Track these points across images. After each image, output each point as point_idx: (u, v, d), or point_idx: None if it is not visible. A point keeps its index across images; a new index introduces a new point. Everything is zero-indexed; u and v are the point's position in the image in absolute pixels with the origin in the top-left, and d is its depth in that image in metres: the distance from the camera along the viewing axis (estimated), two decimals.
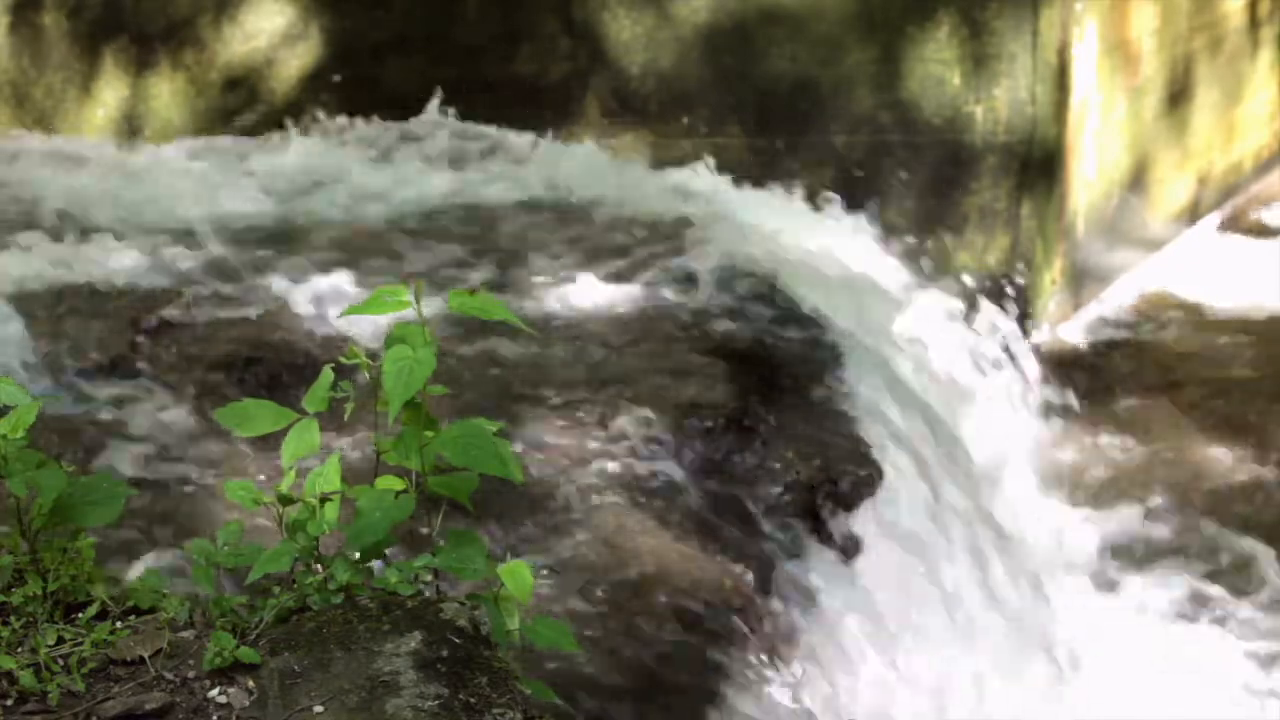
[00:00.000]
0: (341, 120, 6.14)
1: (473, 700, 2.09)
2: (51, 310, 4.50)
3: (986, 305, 5.77)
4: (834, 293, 5.16)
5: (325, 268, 4.91)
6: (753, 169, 5.88)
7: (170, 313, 4.54)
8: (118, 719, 2.12)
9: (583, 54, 6.03)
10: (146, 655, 2.22)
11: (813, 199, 5.81)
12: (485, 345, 4.49)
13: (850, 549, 4.22)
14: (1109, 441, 5.60)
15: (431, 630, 2.19)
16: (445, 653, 2.15)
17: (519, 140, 5.99)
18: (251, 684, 2.15)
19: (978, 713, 4.24)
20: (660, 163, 5.95)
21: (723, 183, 5.83)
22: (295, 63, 6.23)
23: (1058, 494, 5.36)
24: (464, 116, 6.08)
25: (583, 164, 5.86)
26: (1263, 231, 7.20)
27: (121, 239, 5.10)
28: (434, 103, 6.05)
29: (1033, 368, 5.78)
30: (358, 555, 2.31)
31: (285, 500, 2.34)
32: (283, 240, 5.18)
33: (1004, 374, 5.66)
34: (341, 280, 4.83)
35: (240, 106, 6.27)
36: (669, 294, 4.89)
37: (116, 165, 5.97)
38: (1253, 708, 4.76)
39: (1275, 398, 5.77)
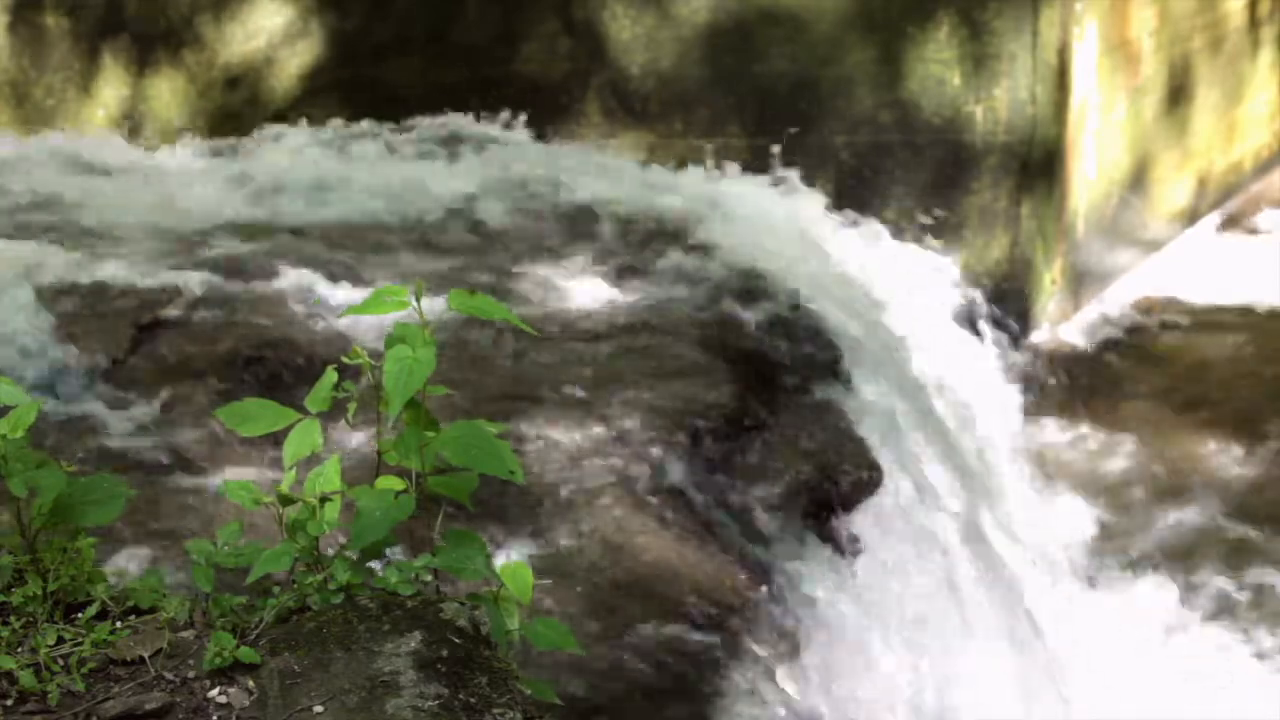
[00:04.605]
0: (341, 120, 6.14)
1: (473, 700, 2.09)
2: (52, 310, 4.50)
3: (987, 305, 5.78)
4: (834, 293, 5.16)
5: (325, 267, 4.91)
6: (752, 169, 5.89)
7: (170, 313, 4.53)
8: (118, 719, 2.12)
9: (583, 54, 6.04)
10: (146, 655, 2.22)
11: (813, 199, 5.81)
12: (485, 345, 4.49)
13: (850, 549, 4.22)
14: (1109, 440, 5.60)
15: (431, 630, 2.19)
16: (445, 653, 2.15)
17: (519, 140, 5.99)
18: (251, 684, 2.15)
19: (977, 711, 4.24)
20: (660, 162, 5.96)
21: (722, 182, 5.84)
22: (295, 62, 6.23)
23: (1057, 492, 5.36)
24: (465, 116, 6.09)
25: (583, 163, 5.86)
26: (1262, 232, 7.21)
27: (121, 239, 5.10)
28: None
29: (1033, 367, 5.78)
30: (358, 555, 2.31)
31: (285, 500, 2.33)
32: (283, 240, 5.18)
33: (1004, 373, 5.66)
34: (341, 280, 4.83)
35: (240, 106, 6.27)
36: (669, 294, 4.89)
37: (116, 165, 5.97)
38: (1250, 706, 4.77)
39: (1274, 397, 5.78)
